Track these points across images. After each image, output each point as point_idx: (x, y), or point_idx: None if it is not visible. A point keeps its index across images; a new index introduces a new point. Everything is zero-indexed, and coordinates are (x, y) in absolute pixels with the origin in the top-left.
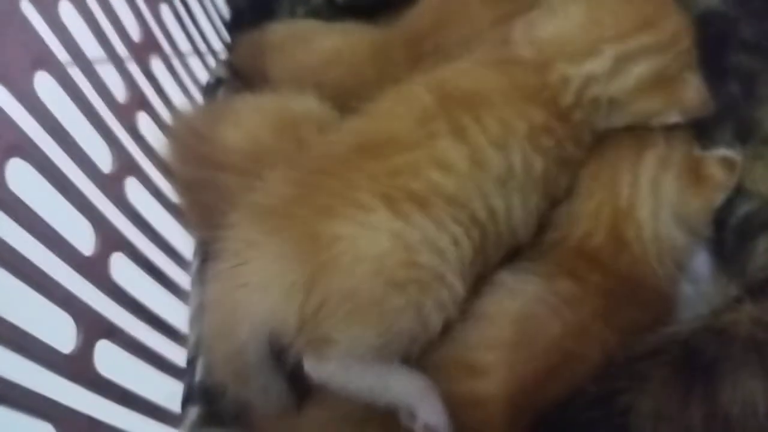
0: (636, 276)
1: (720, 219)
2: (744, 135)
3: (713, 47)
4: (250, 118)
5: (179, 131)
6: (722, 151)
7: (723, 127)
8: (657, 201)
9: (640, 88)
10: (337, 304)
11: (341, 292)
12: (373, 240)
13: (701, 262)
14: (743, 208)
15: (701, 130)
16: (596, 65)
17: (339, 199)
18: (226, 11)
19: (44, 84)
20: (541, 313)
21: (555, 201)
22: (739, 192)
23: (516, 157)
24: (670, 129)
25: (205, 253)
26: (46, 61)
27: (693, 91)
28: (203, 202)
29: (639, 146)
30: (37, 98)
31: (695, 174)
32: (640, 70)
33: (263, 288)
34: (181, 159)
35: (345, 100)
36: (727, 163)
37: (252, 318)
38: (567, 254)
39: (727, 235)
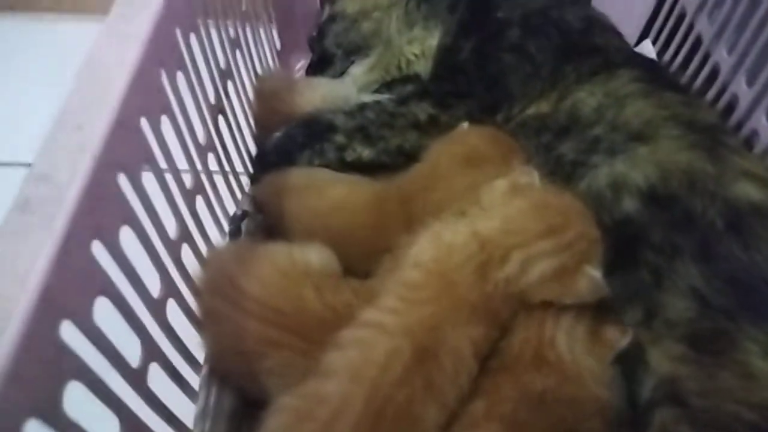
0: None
1: (632, 391)
2: (651, 316)
3: (629, 244)
4: (263, 268)
5: (212, 265)
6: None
7: (636, 307)
8: (572, 339)
9: (542, 282)
10: None
11: None
12: None
13: None
14: (648, 384)
15: (618, 309)
16: (509, 270)
17: None
18: (253, 148)
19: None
20: None
21: None
22: (645, 367)
23: (464, 378)
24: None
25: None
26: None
27: (586, 282)
28: (218, 330)
29: (557, 310)
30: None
31: (596, 336)
32: (541, 268)
33: None
34: (209, 290)
35: (346, 242)
36: (622, 330)
37: None
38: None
39: (637, 408)
